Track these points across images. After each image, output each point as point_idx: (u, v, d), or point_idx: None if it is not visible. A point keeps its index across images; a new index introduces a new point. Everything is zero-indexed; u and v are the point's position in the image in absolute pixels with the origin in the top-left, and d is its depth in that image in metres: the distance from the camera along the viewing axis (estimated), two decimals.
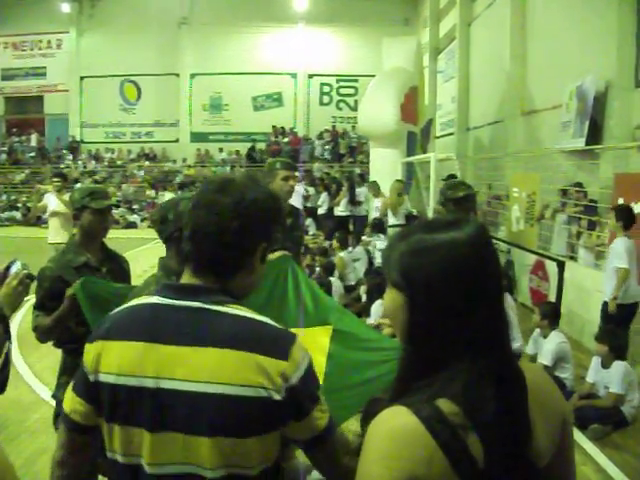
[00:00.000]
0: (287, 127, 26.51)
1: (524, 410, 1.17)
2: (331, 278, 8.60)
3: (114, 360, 1.41)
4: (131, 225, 20.88)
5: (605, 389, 5.32)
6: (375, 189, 12.78)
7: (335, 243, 10.45)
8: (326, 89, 27.65)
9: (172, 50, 26.40)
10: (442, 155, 13.77)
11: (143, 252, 12.03)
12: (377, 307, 7.52)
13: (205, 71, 27.00)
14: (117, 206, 19.81)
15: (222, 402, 1.34)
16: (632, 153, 7.93)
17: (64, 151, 26.88)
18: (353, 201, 15.21)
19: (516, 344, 6.50)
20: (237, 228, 1.43)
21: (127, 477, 1.42)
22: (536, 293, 8.90)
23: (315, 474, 1.99)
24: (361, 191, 15.30)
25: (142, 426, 1.38)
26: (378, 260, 10.07)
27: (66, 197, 8.11)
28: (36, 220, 17.79)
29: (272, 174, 4.60)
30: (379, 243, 10.50)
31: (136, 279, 3.38)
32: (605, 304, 6.19)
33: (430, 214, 11.08)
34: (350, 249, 10.10)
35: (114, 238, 3.51)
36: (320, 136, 26.06)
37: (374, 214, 12.60)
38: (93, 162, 26.43)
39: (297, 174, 5.09)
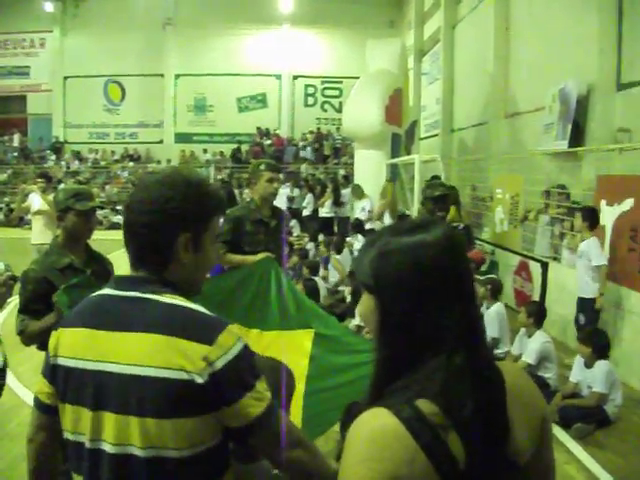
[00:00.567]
0: (272, 128, 26.46)
1: (502, 408, 1.18)
2: (315, 278, 8.61)
3: (67, 345, 1.53)
4: (115, 226, 20.73)
5: (588, 389, 5.37)
6: (359, 192, 12.83)
7: (322, 247, 10.43)
8: (310, 90, 27.67)
9: (157, 51, 26.29)
10: (426, 156, 13.80)
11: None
12: None
13: (190, 72, 26.92)
14: (102, 207, 19.66)
15: (147, 383, 1.40)
16: (614, 155, 7.99)
17: (47, 151, 26.62)
18: (337, 202, 15.23)
19: (504, 349, 6.58)
20: (145, 223, 1.53)
21: (75, 454, 1.52)
22: (520, 294, 8.97)
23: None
24: (345, 192, 15.33)
25: (85, 405, 1.48)
26: None
27: (50, 197, 8.05)
28: (18, 221, 17.62)
29: (256, 176, 4.61)
30: (357, 244, 10.57)
31: (112, 281, 3.35)
32: (581, 300, 6.59)
33: (415, 215, 11.13)
34: (344, 252, 10.08)
35: (97, 239, 3.49)
36: (304, 137, 26.04)
37: (359, 215, 12.62)
38: (77, 162, 26.22)
39: (281, 176, 5.10)
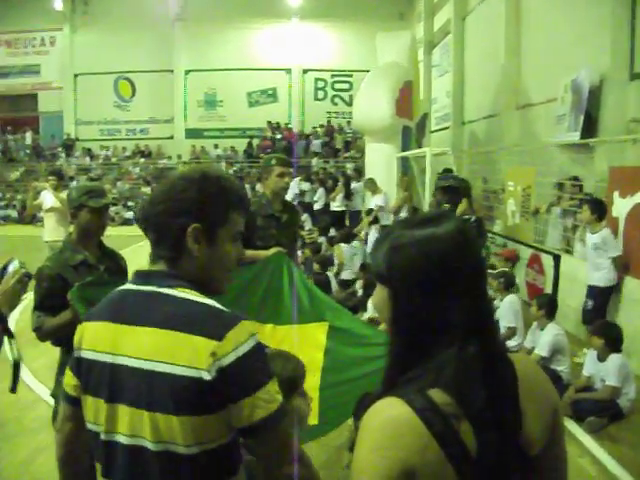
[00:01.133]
0: (282, 123, 26.43)
1: (514, 399, 1.20)
2: (328, 273, 8.62)
3: (89, 339, 1.57)
4: (127, 222, 20.82)
5: (601, 382, 5.34)
6: (373, 187, 12.81)
7: (336, 241, 10.43)
8: (321, 84, 27.60)
9: (166, 47, 26.31)
10: (437, 149, 13.76)
11: (140, 249, 11.99)
12: None
13: (199, 67, 26.91)
14: (114, 204, 19.76)
15: (157, 379, 1.41)
16: (627, 146, 7.93)
17: (59, 149, 26.76)
18: (349, 196, 15.21)
19: (518, 340, 6.57)
20: (159, 211, 1.55)
21: (94, 444, 1.56)
22: (532, 287, 8.93)
23: None
24: (356, 186, 15.30)
25: (102, 397, 1.51)
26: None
27: (62, 195, 8.09)
28: (31, 219, 17.75)
29: (267, 170, 4.61)
30: (372, 235, 10.71)
31: (132, 275, 3.37)
32: (593, 287, 6.68)
33: (426, 208, 11.11)
34: (353, 244, 10.09)
35: (110, 235, 3.51)
36: (315, 131, 26.02)
37: (373, 206, 12.57)
38: (88, 159, 26.34)
39: (292, 170, 5.11)
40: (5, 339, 2.28)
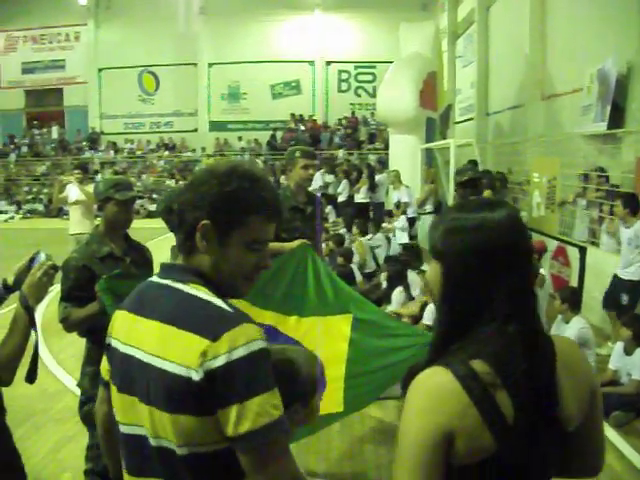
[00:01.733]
0: (306, 115, 26.42)
1: (551, 372, 1.29)
2: (352, 265, 8.62)
3: (115, 327, 1.60)
4: (151, 215, 20.99)
5: (628, 376, 5.28)
6: (396, 181, 12.76)
7: (355, 230, 10.47)
8: (344, 76, 27.48)
9: (190, 40, 26.35)
10: (461, 141, 13.67)
11: (165, 241, 12.07)
12: (398, 294, 7.49)
13: (223, 60, 26.94)
14: (140, 197, 19.91)
15: (152, 373, 1.41)
16: None
17: (84, 143, 27.05)
18: (373, 188, 15.16)
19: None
20: (180, 202, 1.53)
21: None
22: (557, 279, 8.83)
23: None
24: (380, 178, 15.25)
25: (116, 385, 1.55)
26: (398, 240, 10.60)
27: (88, 188, 8.18)
28: (58, 212, 17.98)
29: (292, 162, 4.62)
30: (398, 223, 10.90)
31: (159, 268, 3.41)
32: (625, 282, 6.55)
33: (450, 200, 11.07)
34: (370, 236, 10.11)
35: (135, 228, 3.55)
36: (339, 123, 25.96)
37: (396, 200, 12.54)
38: (112, 153, 26.59)
39: (316, 162, 5.10)
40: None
